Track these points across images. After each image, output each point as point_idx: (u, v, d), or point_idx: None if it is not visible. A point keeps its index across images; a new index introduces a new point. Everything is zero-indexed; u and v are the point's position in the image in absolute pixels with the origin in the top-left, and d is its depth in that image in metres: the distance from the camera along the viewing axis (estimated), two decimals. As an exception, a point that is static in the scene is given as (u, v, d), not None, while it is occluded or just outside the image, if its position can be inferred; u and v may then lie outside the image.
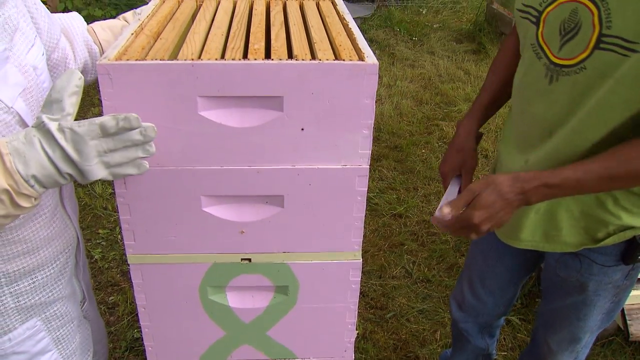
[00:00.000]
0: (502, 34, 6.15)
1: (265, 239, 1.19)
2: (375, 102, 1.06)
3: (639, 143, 1.17)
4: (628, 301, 2.40)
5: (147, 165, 1.00)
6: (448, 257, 3.04)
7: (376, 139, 4.15)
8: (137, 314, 2.58)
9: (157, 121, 1.02)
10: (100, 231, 3.18)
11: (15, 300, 1.18)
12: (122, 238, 3.05)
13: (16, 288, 1.17)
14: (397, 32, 6.54)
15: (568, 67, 1.24)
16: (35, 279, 1.20)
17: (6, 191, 0.90)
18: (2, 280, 1.14)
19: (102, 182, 3.54)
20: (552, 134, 1.32)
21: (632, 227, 1.34)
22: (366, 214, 1.19)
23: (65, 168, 0.93)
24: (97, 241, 3.11)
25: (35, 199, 0.95)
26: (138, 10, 1.44)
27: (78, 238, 1.33)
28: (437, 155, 3.98)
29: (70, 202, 1.29)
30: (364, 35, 1.17)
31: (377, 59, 1.04)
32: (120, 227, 3.21)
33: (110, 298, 2.72)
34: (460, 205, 1.25)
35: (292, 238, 1.20)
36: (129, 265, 1.20)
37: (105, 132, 0.93)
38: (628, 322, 2.43)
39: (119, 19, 1.49)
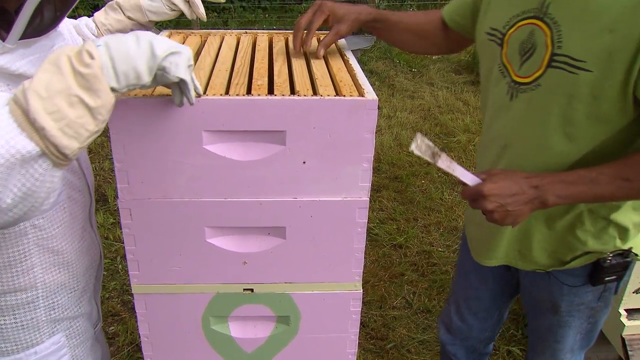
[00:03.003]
0: (500, 65, 6.23)
1: (267, 270, 1.21)
2: (375, 133, 1.09)
3: None
4: (629, 331, 2.40)
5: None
6: (448, 287, 3.04)
7: (376, 170, 4.19)
8: (137, 345, 2.58)
9: (164, 154, 1.06)
10: (101, 261, 3.19)
11: (47, 313, 1.22)
12: (122, 268, 3.07)
13: (50, 301, 1.22)
14: (396, 63, 6.63)
15: (525, 85, 1.31)
16: (66, 293, 1.25)
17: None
18: (40, 291, 1.19)
19: (104, 211, 3.56)
20: (506, 149, 1.38)
21: (596, 252, 1.38)
22: (366, 244, 1.21)
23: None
24: (98, 271, 3.11)
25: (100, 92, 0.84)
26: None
27: (100, 255, 1.38)
28: (436, 186, 4.00)
29: (94, 222, 1.35)
30: (363, 67, 1.21)
31: (377, 91, 1.07)
32: (123, 257, 3.20)
33: (111, 328, 2.72)
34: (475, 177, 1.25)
35: (294, 269, 1.21)
36: (132, 295, 1.22)
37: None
38: (629, 352, 2.42)
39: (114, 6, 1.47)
